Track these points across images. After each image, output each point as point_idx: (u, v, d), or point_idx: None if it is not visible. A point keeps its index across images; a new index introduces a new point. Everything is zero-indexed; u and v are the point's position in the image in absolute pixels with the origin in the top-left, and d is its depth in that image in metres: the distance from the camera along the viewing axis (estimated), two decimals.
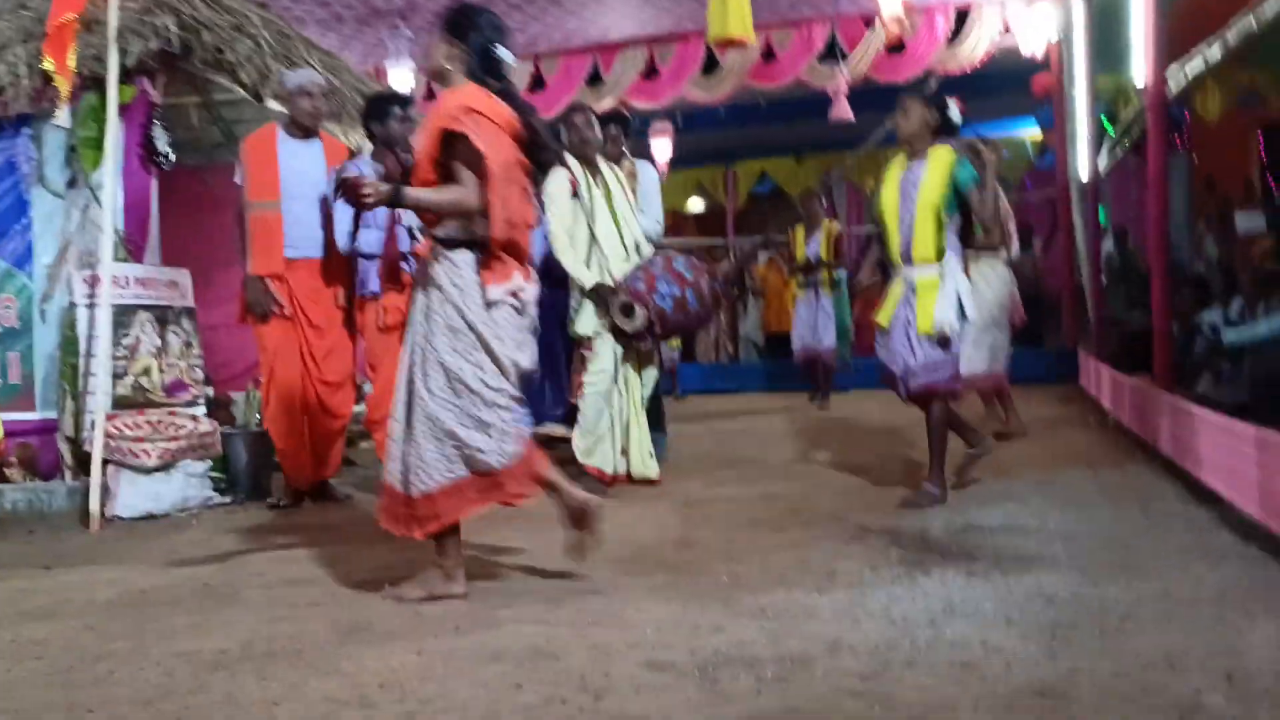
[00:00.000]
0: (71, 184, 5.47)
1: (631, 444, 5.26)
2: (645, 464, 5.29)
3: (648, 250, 5.40)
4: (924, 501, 4.53)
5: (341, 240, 5.13)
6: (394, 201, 3.34)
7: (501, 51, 3.38)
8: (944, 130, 4.75)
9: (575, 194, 5.23)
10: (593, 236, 5.22)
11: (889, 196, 4.80)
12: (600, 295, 5.14)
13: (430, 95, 12.20)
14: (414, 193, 3.31)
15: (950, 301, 4.58)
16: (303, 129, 5.24)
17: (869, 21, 10.54)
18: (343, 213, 5.01)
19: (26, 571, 4.06)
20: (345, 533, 4.59)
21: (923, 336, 4.61)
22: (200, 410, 5.63)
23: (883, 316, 4.80)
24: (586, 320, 5.20)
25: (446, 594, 3.34)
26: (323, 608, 3.31)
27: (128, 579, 3.84)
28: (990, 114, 14.17)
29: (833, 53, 10.80)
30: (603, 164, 5.41)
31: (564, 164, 5.24)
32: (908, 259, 4.70)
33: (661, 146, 13.45)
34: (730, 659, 2.62)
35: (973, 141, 4.83)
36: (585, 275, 5.18)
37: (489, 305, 3.27)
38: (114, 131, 5.15)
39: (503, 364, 3.30)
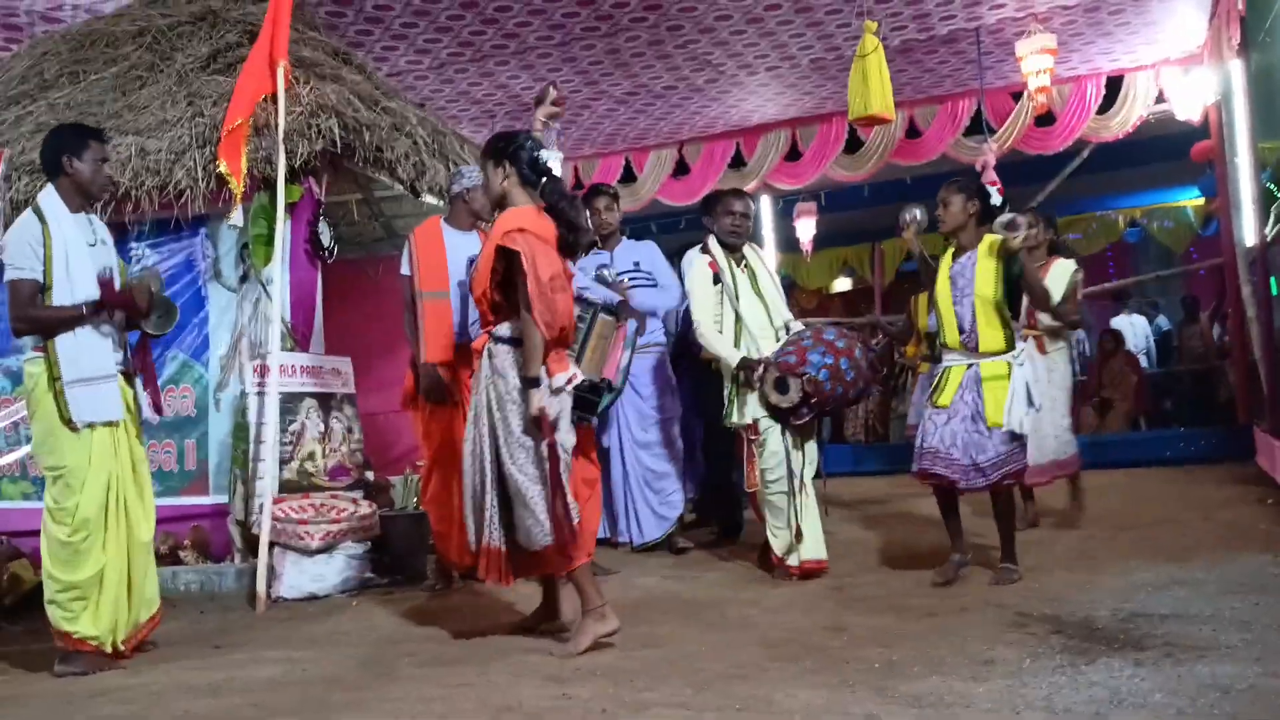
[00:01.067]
0: (244, 279, 5.80)
1: (806, 527, 5.08)
2: (818, 547, 5.12)
3: (797, 328, 5.32)
4: (1011, 578, 4.56)
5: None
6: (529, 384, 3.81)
7: (544, 154, 3.98)
8: (986, 217, 4.69)
9: (717, 279, 5.24)
10: (738, 317, 5.20)
11: (942, 290, 4.77)
12: (750, 372, 5.06)
13: (578, 184, 12.56)
14: (535, 393, 3.77)
15: (1022, 394, 4.51)
16: (466, 222, 5.42)
17: (1016, 94, 10.40)
18: None
19: (197, 650, 4.25)
20: (497, 614, 4.66)
21: (993, 429, 4.53)
22: (360, 494, 5.83)
23: (944, 398, 4.68)
24: (744, 408, 5.10)
25: (608, 631, 3.79)
26: (473, 688, 3.36)
27: (290, 658, 3.98)
28: (1149, 183, 13.79)
29: (979, 127, 10.68)
30: (749, 252, 5.41)
31: (706, 250, 5.32)
32: (973, 349, 4.65)
33: (805, 226, 13.48)
34: None
35: (1010, 219, 4.66)
36: (732, 353, 5.13)
37: (554, 392, 3.79)
38: (282, 229, 5.46)
39: (565, 444, 3.82)
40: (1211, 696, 2.80)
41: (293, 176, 5.55)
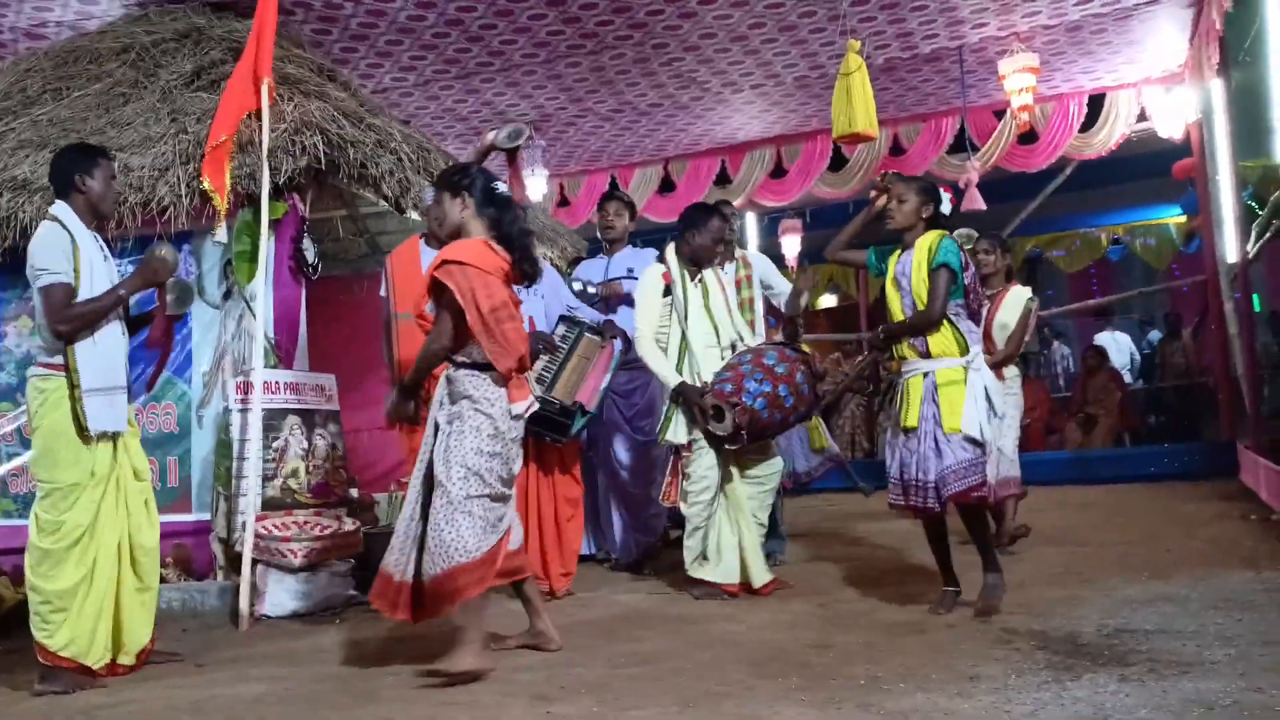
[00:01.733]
0: (227, 295, 5.77)
1: (745, 551, 5.04)
2: (761, 571, 5.06)
3: (742, 348, 5.21)
4: (999, 593, 4.34)
5: None
6: (407, 393, 4.00)
7: (498, 185, 4.00)
8: (934, 224, 4.50)
9: (668, 291, 5.18)
10: (684, 335, 5.11)
11: (891, 292, 4.52)
12: (686, 398, 4.99)
13: (564, 203, 12.58)
14: (409, 379, 3.98)
15: (980, 399, 4.31)
16: (440, 240, 5.42)
17: (999, 112, 10.48)
18: None
19: (179, 668, 4.21)
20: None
21: (951, 435, 4.27)
22: (344, 511, 5.80)
23: (911, 417, 4.37)
24: (678, 427, 5.05)
25: (478, 668, 3.67)
26: (460, 707, 3.34)
27: (274, 676, 3.95)
28: (1132, 200, 13.89)
29: (962, 145, 10.75)
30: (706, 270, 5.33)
31: (662, 260, 5.28)
32: (924, 353, 4.39)
33: (791, 243, 13.53)
34: None
35: (968, 234, 4.65)
36: (670, 375, 5.07)
37: (514, 418, 3.85)
38: (266, 245, 5.45)
39: (514, 468, 3.89)
40: (1196, 712, 2.80)
41: (277, 193, 5.54)
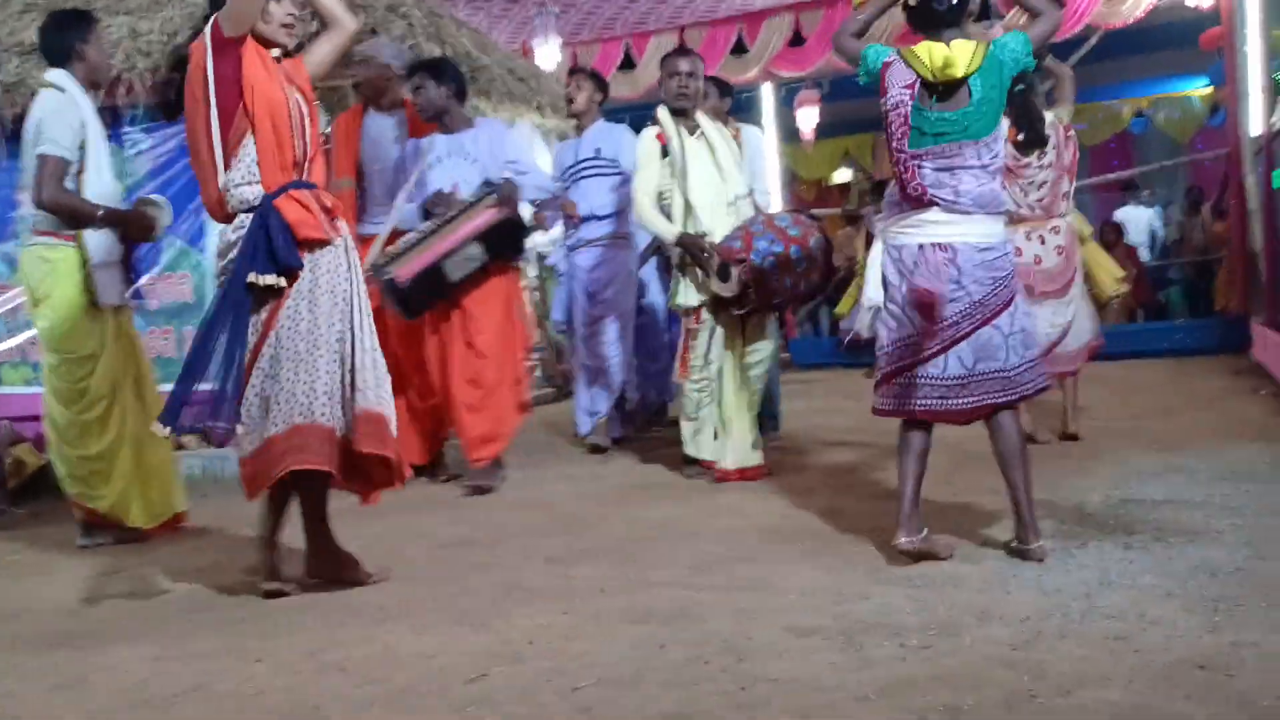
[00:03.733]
0: None
1: (732, 432, 4.80)
2: (747, 454, 4.82)
3: (749, 209, 4.89)
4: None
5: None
6: None
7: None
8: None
9: (666, 152, 4.86)
10: (686, 198, 4.78)
11: None
12: (690, 251, 4.68)
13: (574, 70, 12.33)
14: None
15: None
16: (381, 106, 5.32)
17: None
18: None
19: (202, 533, 4.32)
20: (505, 501, 4.72)
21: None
22: None
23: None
24: (688, 291, 4.77)
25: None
26: (479, 570, 3.43)
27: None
28: (1157, 70, 13.54)
29: (987, 11, 10.45)
30: (705, 120, 4.93)
31: (655, 122, 4.94)
32: None
33: (807, 115, 13.27)
34: (875, 625, 2.61)
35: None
36: (669, 229, 4.77)
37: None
38: None
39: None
40: (1200, 579, 2.86)
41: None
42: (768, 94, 13.05)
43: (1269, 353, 7.43)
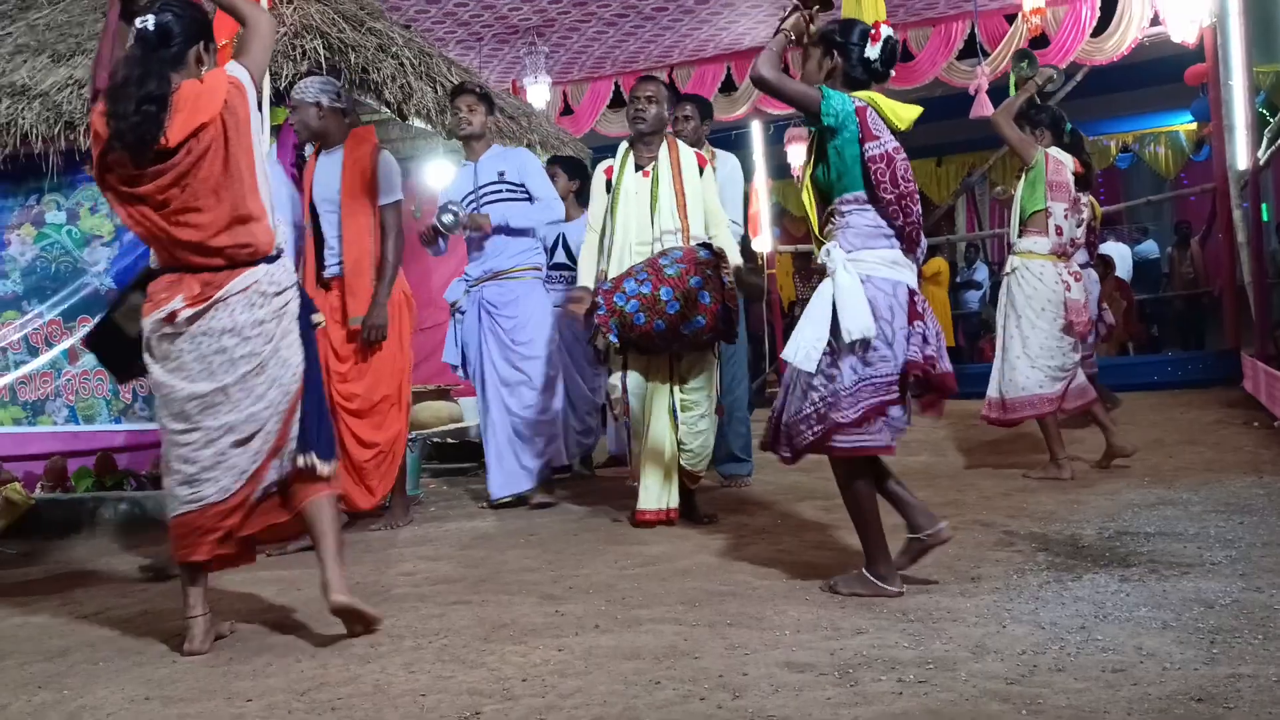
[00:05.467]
0: None
1: (648, 474, 4.58)
2: (669, 494, 4.60)
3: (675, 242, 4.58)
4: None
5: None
6: None
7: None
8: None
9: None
10: (611, 230, 4.66)
11: None
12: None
13: (567, 111, 12.42)
14: None
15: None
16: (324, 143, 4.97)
17: (1010, 16, 10.28)
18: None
19: None
20: (492, 539, 4.69)
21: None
22: None
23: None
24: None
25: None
26: (469, 606, 3.39)
27: (285, 578, 4.01)
28: (1143, 107, 13.69)
29: (972, 50, 10.57)
30: (666, 152, 4.72)
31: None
32: None
33: (797, 152, 13.36)
34: (871, 660, 2.59)
35: None
36: (580, 275, 4.76)
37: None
38: (267, 151, 5.37)
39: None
40: (1196, 610, 2.85)
41: (278, 98, 5.47)
42: (757, 131, 13.16)
43: (1260, 385, 7.45)
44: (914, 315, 3.26)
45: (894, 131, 3.34)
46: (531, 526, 4.82)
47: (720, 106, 11.65)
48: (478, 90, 5.46)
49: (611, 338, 4.35)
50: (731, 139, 12.31)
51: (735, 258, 4.62)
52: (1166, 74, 11.39)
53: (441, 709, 2.44)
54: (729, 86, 11.75)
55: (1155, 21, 10.23)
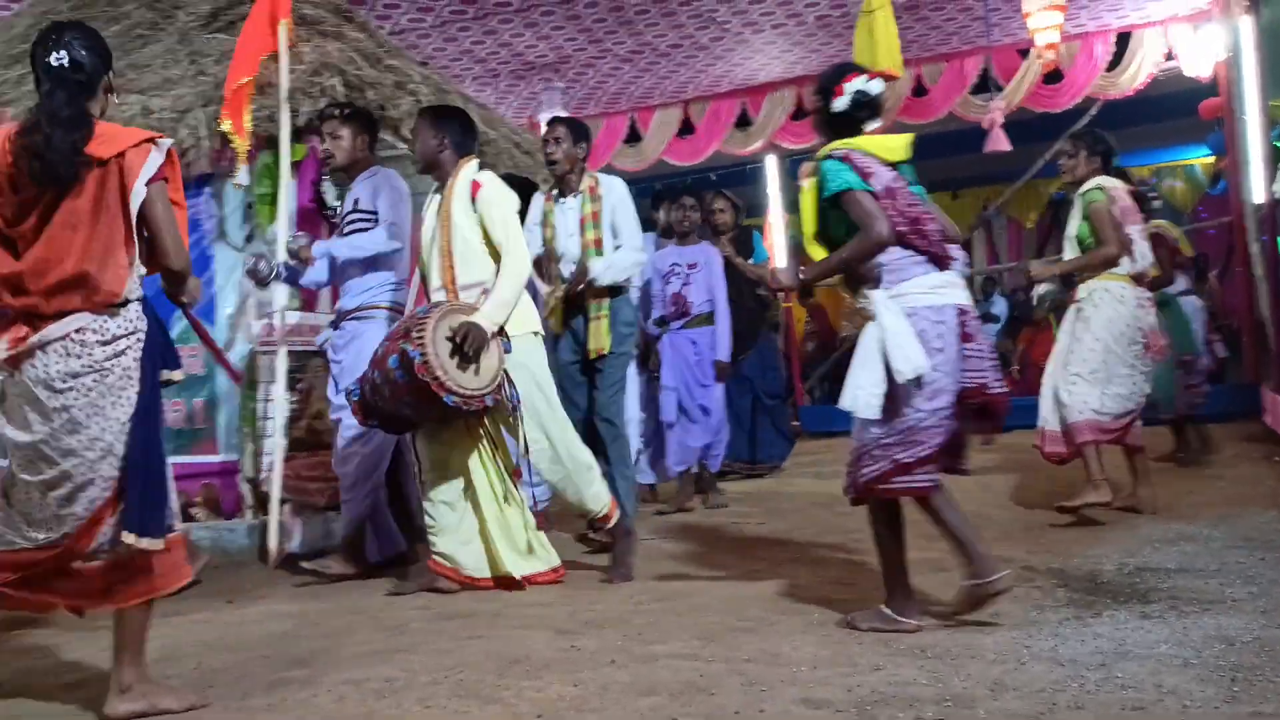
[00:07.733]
0: (249, 238, 5.79)
1: (489, 539, 4.24)
2: (508, 559, 4.21)
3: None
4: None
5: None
6: None
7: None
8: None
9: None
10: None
11: None
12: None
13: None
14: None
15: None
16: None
17: (1023, 51, 10.32)
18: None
19: (209, 604, 4.28)
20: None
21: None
22: None
23: None
24: None
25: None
26: (484, 640, 3.39)
27: (302, 612, 4.01)
28: (1158, 141, 13.67)
29: (986, 85, 10.60)
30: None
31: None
32: None
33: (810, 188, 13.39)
34: (889, 698, 2.57)
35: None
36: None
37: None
38: (287, 188, 5.44)
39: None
40: (1217, 648, 2.82)
41: (297, 136, 5.52)
42: (772, 165, 13.19)
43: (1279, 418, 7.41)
44: (965, 337, 3.25)
45: (891, 164, 3.38)
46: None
47: (736, 141, 11.73)
48: (340, 113, 4.91)
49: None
50: (746, 173, 12.36)
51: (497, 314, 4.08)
52: (1182, 108, 11.38)
53: None
54: (744, 122, 11.81)
55: (1169, 57, 10.26)
